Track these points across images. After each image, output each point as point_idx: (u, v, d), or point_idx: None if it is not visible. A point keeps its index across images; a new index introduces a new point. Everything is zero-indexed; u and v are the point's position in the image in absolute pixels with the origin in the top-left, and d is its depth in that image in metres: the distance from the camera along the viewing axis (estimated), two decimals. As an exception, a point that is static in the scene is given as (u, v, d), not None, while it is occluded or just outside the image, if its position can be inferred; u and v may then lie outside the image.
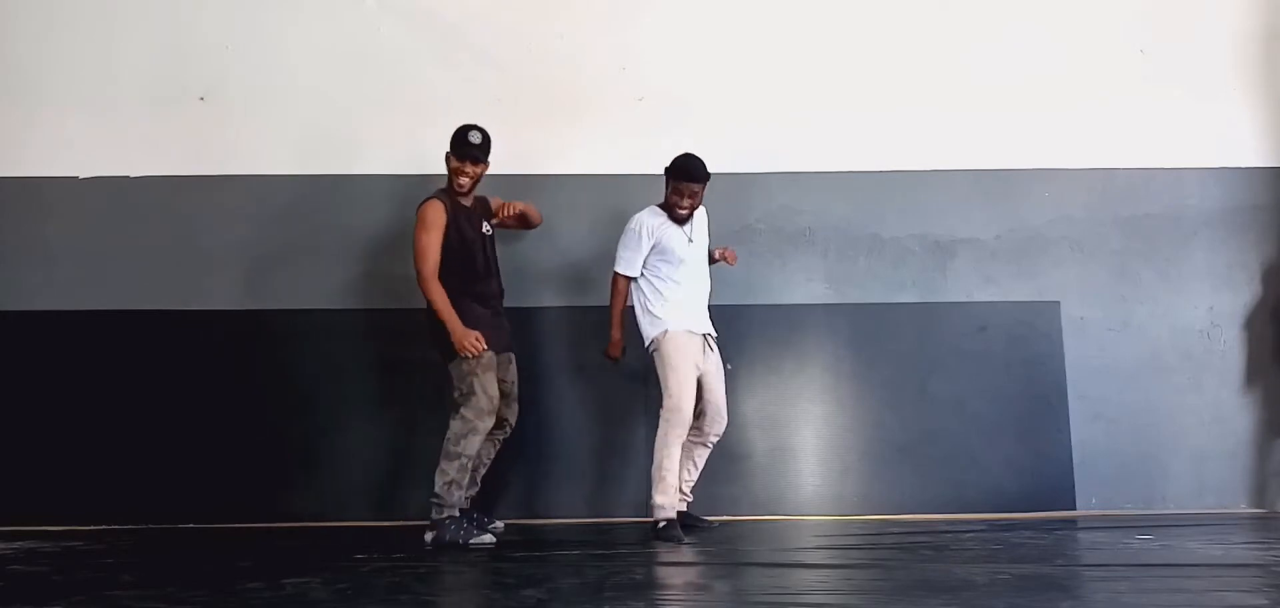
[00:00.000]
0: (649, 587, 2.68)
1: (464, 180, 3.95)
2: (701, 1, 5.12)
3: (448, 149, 3.96)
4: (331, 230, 4.86)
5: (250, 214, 4.87)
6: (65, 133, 4.89)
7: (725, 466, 4.71)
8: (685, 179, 4.10)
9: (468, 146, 3.95)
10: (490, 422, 3.85)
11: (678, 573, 3.03)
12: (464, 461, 3.79)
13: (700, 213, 4.27)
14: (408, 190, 4.63)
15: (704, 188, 4.16)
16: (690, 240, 4.20)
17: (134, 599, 2.50)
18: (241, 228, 4.86)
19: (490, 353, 3.87)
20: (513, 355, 4.10)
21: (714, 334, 4.26)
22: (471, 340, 3.78)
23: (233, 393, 4.70)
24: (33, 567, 3.13)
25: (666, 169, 4.16)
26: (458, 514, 3.80)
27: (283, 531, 4.23)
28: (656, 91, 5.00)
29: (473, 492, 4.07)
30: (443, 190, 3.99)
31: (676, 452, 4.05)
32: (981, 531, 3.98)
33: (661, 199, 4.21)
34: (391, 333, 4.72)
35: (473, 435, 3.80)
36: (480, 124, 3.98)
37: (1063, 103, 5.09)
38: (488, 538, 3.80)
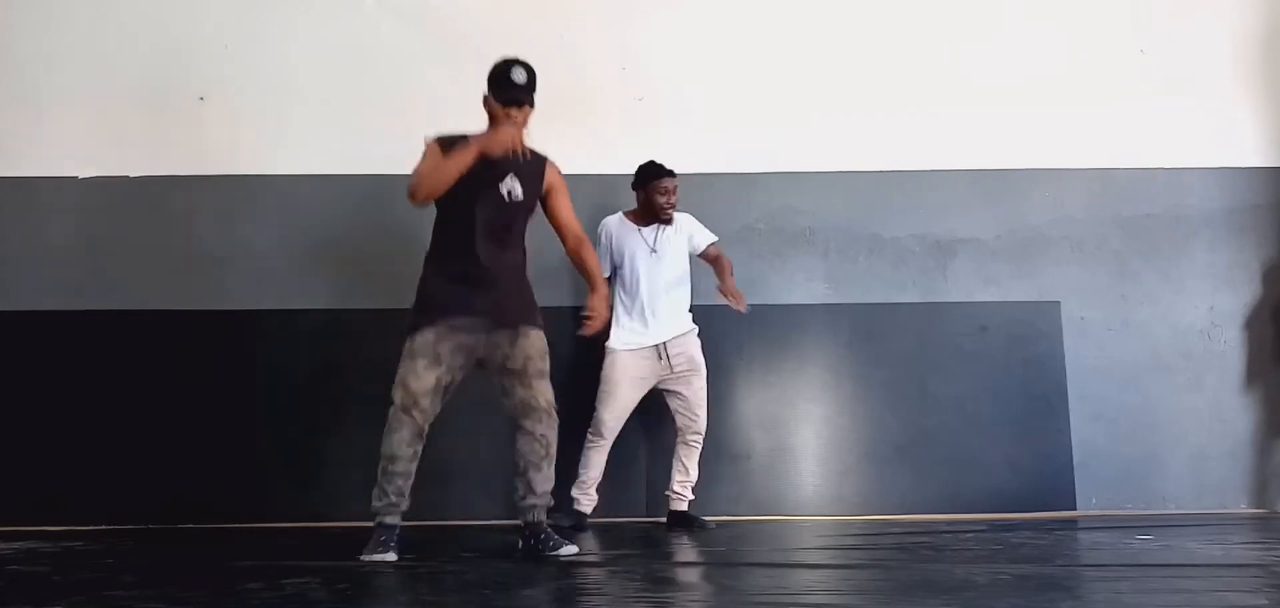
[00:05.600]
0: (649, 587, 2.67)
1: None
2: (701, 1, 5.13)
3: (485, 91, 3.35)
4: (331, 230, 4.86)
5: (250, 214, 4.88)
6: (65, 133, 4.90)
7: (725, 466, 4.72)
8: (661, 176, 4.28)
9: (511, 88, 3.28)
10: (410, 420, 3.22)
11: (678, 573, 3.02)
12: (383, 462, 3.26)
13: (676, 222, 4.35)
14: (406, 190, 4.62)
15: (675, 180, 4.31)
16: (653, 251, 4.26)
17: (134, 599, 2.49)
18: (241, 228, 4.87)
19: (427, 333, 3.24)
20: (520, 334, 3.33)
21: (678, 335, 4.29)
22: (500, 138, 3.15)
23: (232, 393, 4.70)
24: (33, 567, 3.12)
25: (636, 180, 4.32)
26: (385, 523, 3.28)
27: (283, 531, 4.22)
28: (656, 91, 5.01)
29: (528, 503, 3.37)
30: (460, 134, 3.32)
31: (591, 456, 4.26)
32: (981, 531, 3.98)
33: (629, 208, 4.40)
34: (391, 333, 4.67)
35: (387, 435, 3.25)
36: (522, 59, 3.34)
37: (1063, 103, 5.09)
38: (390, 555, 3.19)
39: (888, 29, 5.14)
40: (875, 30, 5.13)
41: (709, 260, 4.39)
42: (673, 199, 4.29)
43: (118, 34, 4.99)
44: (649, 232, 4.32)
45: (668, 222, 4.29)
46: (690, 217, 4.42)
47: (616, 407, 4.27)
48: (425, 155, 3.33)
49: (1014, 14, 5.18)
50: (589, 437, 4.27)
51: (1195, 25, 5.19)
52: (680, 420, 4.33)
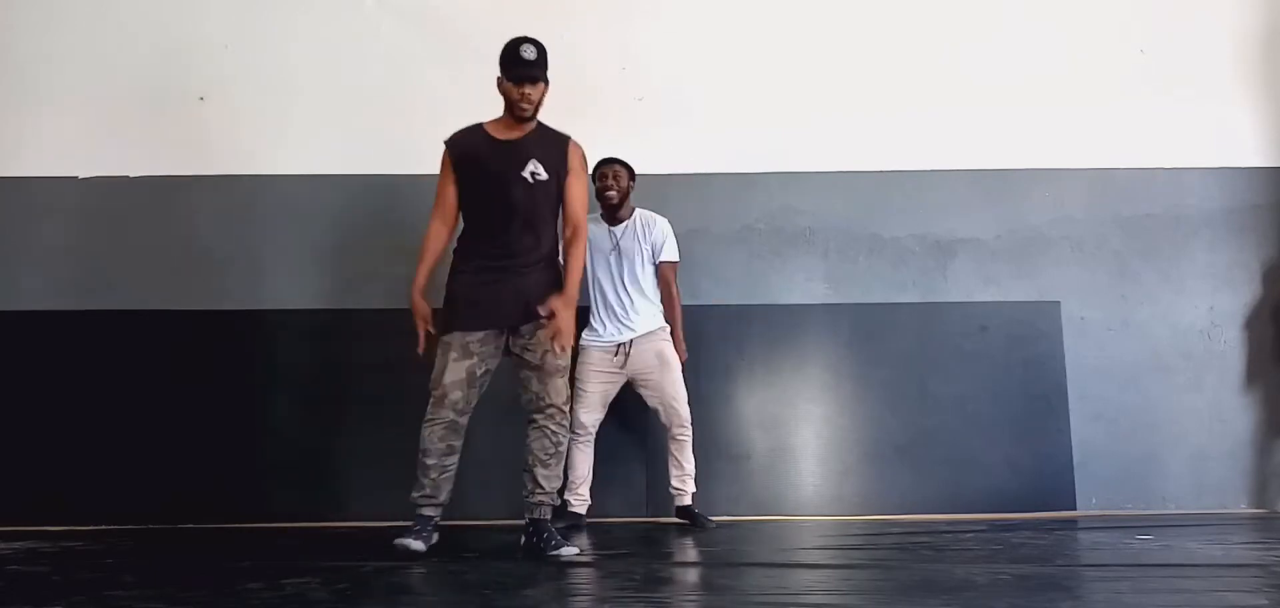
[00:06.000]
0: (649, 587, 2.67)
1: (526, 107, 3.31)
2: (701, 1, 5.13)
3: (498, 73, 3.36)
4: (331, 230, 4.87)
5: (250, 214, 4.88)
6: (65, 133, 4.90)
7: (725, 466, 4.72)
8: (598, 164, 4.31)
9: (521, 65, 3.28)
10: (443, 412, 3.28)
11: (678, 573, 3.03)
12: (418, 455, 3.31)
13: (642, 223, 4.37)
14: (408, 190, 4.62)
15: (626, 171, 4.35)
16: (614, 249, 4.32)
17: (134, 599, 2.49)
18: (241, 228, 4.87)
19: (457, 334, 3.31)
20: (541, 326, 3.32)
21: (642, 334, 4.30)
22: (417, 320, 3.35)
23: (233, 393, 4.70)
24: (33, 567, 3.12)
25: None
26: (420, 514, 3.32)
27: (283, 531, 4.22)
28: (656, 91, 5.01)
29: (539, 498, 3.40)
30: (474, 124, 3.46)
31: (575, 456, 4.26)
32: (981, 531, 3.98)
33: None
34: (391, 333, 4.70)
35: (424, 426, 3.32)
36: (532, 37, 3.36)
37: (1063, 103, 5.09)
38: (415, 544, 3.24)
39: (888, 29, 5.13)
40: (875, 30, 5.13)
41: (661, 281, 4.38)
42: (609, 184, 4.30)
43: (118, 34, 4.99)
44: (616, 229, 4.35)
45: (609, 205, 4.31)
46: (666, 225, 4.40)
47: (589, 402, 4.28)
48: (442, 167, 3.44)
49: (1014, 14, 5.18)
50: (570, 437, 4.24)
51: (1195, 25, 5.19)
52: (662, 417, 4.36)
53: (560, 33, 4.97)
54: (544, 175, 3.34)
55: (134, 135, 4.91)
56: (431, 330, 3.39)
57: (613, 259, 4.32)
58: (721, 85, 5.04)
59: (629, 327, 4.30)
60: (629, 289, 4.31)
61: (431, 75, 4.94)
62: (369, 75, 4.98)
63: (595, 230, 4.35)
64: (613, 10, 5.09)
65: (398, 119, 4.90)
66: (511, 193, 3.31)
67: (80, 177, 4.89)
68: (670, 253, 4.38)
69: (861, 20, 5.13)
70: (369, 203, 4.84)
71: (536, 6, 5.02)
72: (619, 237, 4.34)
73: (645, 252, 4.33)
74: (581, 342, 4.30)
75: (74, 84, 4.94)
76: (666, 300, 4.38)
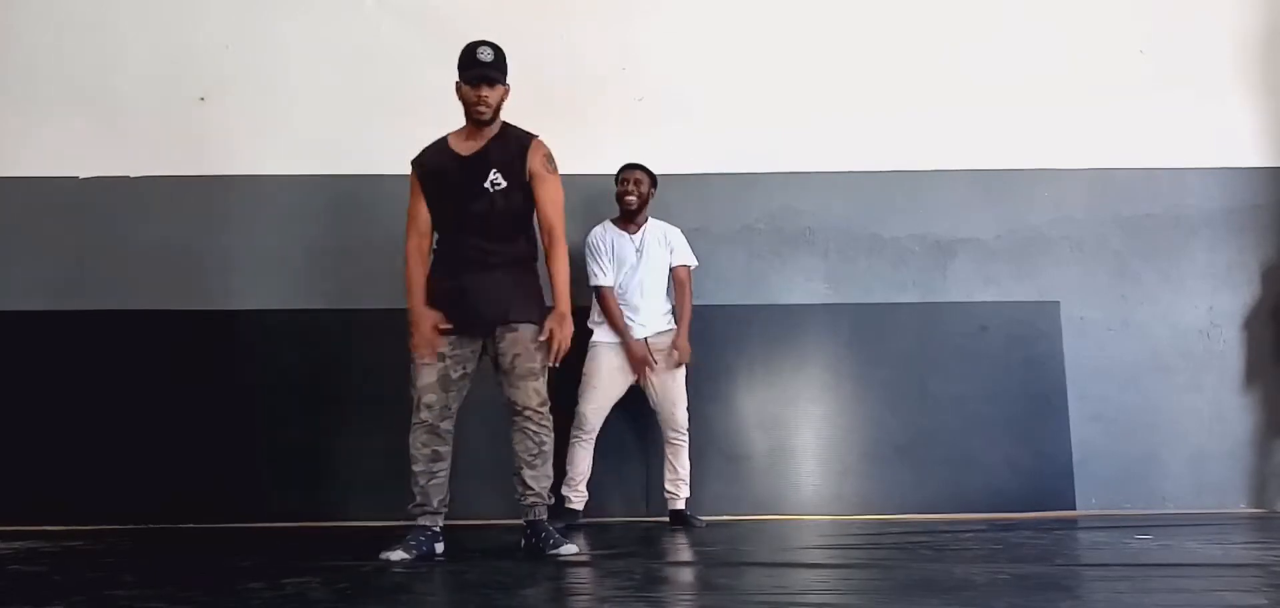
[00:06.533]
0: (649, 587, 2.67)
1: (483, 110, 3.25)
2: (701, 1, 5.13)
3: (456, 78, 3.29)
4: (332, 230, 4.87)
5: (250, 214, 4.88)
6: (65, 133, 4.90)
7: (725, 466, 4.72)
8: (620, 170, 4.42)
9: (476, 66, 3.23)
10: (418, 418, 3.23)
11: (678, 573, 3.02)
12: (410, 462, 3.25)
13: (660, 230, 4.45)
14: (407, 190, 4.62)
15: (648, 178, 4.43)
16: (638, 251, 4.37)
17: (134, 599, 2.49)
18: (241, 228, 4.87)
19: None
20: (508, 330, 3.27)
21: (659, 332, 4.37)
22: (416, 341, 3.23)
23: (233, 393, 4.70)
24: (33, 567, 3.12)
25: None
26: (416, 524, 3.26)
27: (283, 531, 4.22)
28: (656, 91, 5.01)
29: (538, 499, 3.35)
30: (439, 139, 3.42)
31: (576, 452, 4.30)
32: (981, 531, 3.97)
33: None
34: (391, 333, 4.70)
35: (410, 433, 3.27)
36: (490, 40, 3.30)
37: (1063, 103, 5.10)
38: (394, 555, 3.14)
39: (888, 29, 5.14)
40: (875, 30, 5.13)
41: (676, 283, 4.45)
42: (629, 189, 4.37)
43: (118, 34, 4.99)
44: (636, 237, 4.40)
45: (629, 211, 4.38)
46: (680, 233, 4.50)
47: (597, 399, 4.31)
48: (412, 187, 3.41)
49: (1014, 14, 5.18)
50: (572, 433, 4.29)
51: (1195, 25, 5.19)
52: (660, 418, 4.40)
53: (560, 33, 5.01)
54: (504, 183, 3.27)
55: (134, 135, 4.91)
56: (448, 325, 3.26)
57: (635, 265, 4.36)
58: (721, 85, 5.05)
59: (642, 325, 4.35)
60: (646, 290, 4.36)
61: (431, 75, 4.89)
62: (369, 75, 4.98)
63: (617, 241, 4.39)
64: (613, 10, 5.09)
65: (398, 119, 4.88)
66: (474, 205, 3.26)
67: (80, 177, 4.90)
68: (691, 257, 4.48)
69: (861, 20, 5.13)
70: (369, 203, 4.84)
71: (536, 6, 5.03)
72: (639, 243, 4.39)
73: (665, 256, 4.41)
74: (593, 339, 4.35)
75: (74, 84, 4.95)
76: (681, 301, 4.42)
